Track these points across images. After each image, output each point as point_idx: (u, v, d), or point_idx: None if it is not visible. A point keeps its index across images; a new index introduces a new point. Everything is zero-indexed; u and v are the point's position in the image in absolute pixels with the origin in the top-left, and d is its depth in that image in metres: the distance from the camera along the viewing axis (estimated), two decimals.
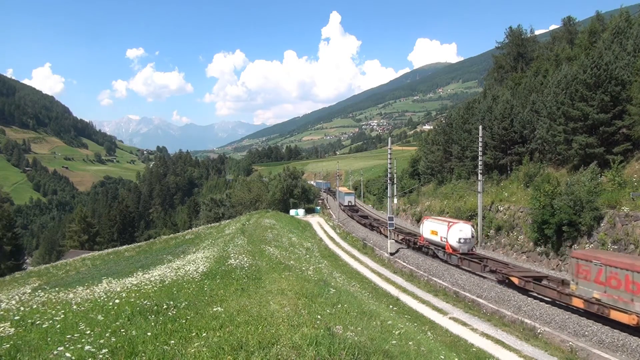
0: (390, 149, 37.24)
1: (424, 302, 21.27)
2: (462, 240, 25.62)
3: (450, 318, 18.65)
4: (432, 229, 28.51)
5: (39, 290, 16.93)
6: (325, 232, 49.51)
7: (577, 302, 16.11)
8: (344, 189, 75.09)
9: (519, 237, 28.21)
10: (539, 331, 16.13)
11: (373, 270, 29.19)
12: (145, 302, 8.62)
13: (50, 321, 7.57)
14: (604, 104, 26.47)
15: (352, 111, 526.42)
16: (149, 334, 6.05)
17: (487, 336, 16.22)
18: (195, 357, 5.00)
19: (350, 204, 63.89)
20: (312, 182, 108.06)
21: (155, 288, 11.50)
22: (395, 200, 52.09)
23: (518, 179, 33.52)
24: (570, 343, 14.75)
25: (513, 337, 16.14)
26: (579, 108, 27.57)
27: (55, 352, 5.23)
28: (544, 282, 18.97)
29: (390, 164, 35.58)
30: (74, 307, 9.42)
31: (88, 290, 13.44)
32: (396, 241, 34.23)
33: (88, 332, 6.35)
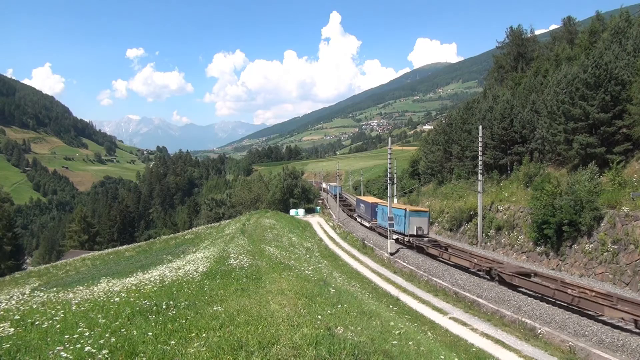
0: (390, 149, 37.20)
1: (424, 302, 21.24)
2: None
3: (450, 318, 18.63)
4: None
5: (39, 291, 16.91)
6: (325, 232, 49.50)
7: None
8: (404, 206, 37.43)
9: (519, 237, 28.20)
10: (539, 331, 16.12)
11: (373, 270, 29.18)
12: (145, 302, 8.60)
13: (50, 321, 7.54)
14: (604, 104, 26.47)
15: (352, 111, 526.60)
16: (149, 334, 6.03)
17: (487, 336, 16.19)
18: (195, 357, 4.99)
19: (421, 232, 32.16)
20: (325, 185, 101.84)
21: (155, 288, 11.48)
22: (395, 200, 52.02)
23: (518, 179, 33.51)
24: (570, 343, 14.74)
25: (513, 337, 16.11)
26: (579, 107, 27.58)
27: (54, 352, 5.22)
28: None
29: (390, 164, 35.55)
30: (74, 307, 9.39)
31: (88, 290, 13.41)
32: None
33: (88, 332, 6.33)
